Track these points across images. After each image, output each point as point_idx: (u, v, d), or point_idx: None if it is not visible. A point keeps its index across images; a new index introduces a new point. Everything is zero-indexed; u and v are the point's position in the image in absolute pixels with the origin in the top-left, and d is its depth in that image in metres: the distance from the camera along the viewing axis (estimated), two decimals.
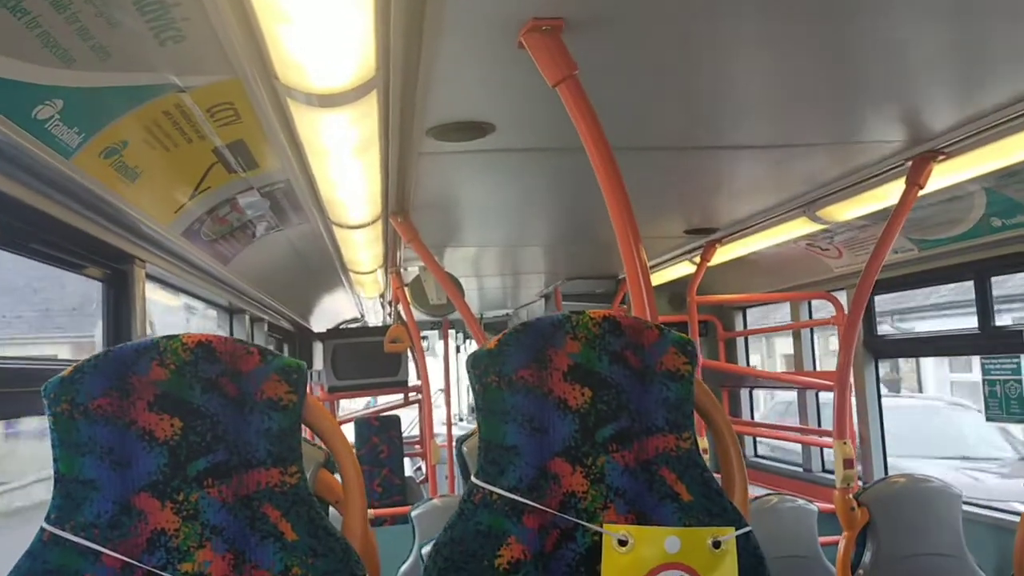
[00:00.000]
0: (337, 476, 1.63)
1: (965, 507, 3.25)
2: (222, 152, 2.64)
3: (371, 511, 4.99)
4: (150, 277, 3.02)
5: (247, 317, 5.11)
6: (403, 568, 3.45)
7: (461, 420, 11.38)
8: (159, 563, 1.36)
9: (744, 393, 6.74)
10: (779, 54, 2.20)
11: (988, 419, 3.96)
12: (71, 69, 1.75)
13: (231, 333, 5.06)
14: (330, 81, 1.99)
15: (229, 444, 1.40)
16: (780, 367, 11.04)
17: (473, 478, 1.46)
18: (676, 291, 6.50)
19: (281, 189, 3.29)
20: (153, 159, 2.38)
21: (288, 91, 2.03)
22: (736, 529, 1.45)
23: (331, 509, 1.79)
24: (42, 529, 1.35)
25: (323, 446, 1.62)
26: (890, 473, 4.51)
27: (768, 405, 9.53)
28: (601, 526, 1.43)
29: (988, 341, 3.96)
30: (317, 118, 2.21)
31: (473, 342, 8.66)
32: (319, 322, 8.50)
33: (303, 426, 1.46)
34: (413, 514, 3.40)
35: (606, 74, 2.21)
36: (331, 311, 8.60)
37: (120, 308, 2.82)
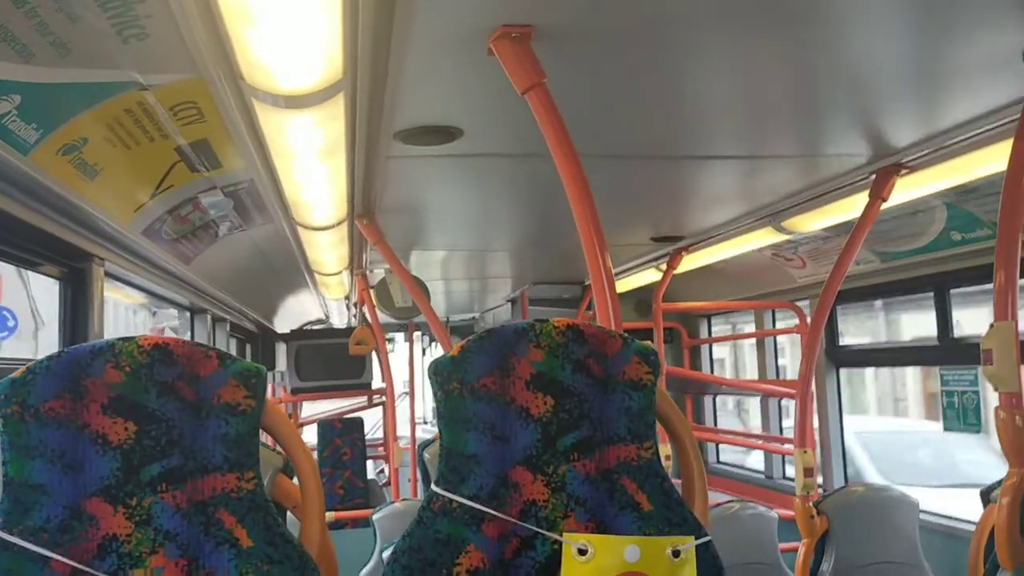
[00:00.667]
0: (295, 481, 1.61)
1: (922, 516, 3.29)
2: (185, 151, 2.60)
3: (333, 514, 4.96)
4: (109, 275, 2.98)
5: (209, 317, 5.05)
6: (364, 572, 3.43)
7: (425, 423, 11.34)
8: (110, 569, 1.33)
9: (708, 400, 6.79)
10: (747, 67, 2.22)
11: (946, 429, 4.02)
12: (30, 64, 1.72)
13: (192, 333, 5.00)
14: (296, 83, 1.97)
15: (184, 449, 1.37)
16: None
17: (433, 486, 1.45)
18: (642, 298, 6.53)
19: (245, 189, 3.25)
20: (114, 157, 2.34)
21: (253, 91, 2.00)
22: (696, 538, 1.45)
23: (289, 515, 1.77)
24: None
25: (282, 451, 1.60)
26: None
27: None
28: (561, 535, 1.42)
29: (947, 352, 4.02)
30: (283, 119, 2.18)
31: (439, 345, 8.64)
32: (283, 323, 8.42)
33: (261, 431, 1.44)
34: (375, 517, 3.38)
35: (575, 82, 2.21)
36: (295, 312, 8.53)
37: (77, 307, 2.78)
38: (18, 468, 1.33)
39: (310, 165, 2.66)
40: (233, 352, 5.31)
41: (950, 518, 4.01)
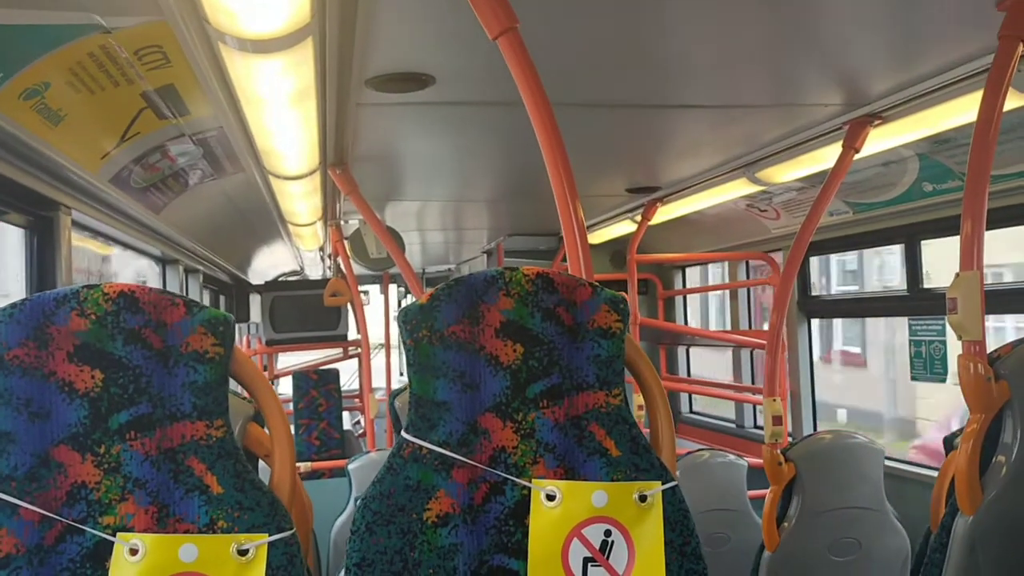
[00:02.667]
0: (266, 430, 1.61)
1: (887, 463, 3.36)
2: (151, 97, 2.55)
3: (309, 464, 4.99)
4: (77, 225, 2.93)
5: (181, 268, 5.00)
6: (339, 519, 3.46)
7: (402, 375, 11.38)
8: (79, 516, 1.33)
9: (681, 350, 6.85)
10: (722, 13, 2.20)
11: (913, 378, 4.09)
12: None
13: (164, 283, 4.96)
14: (262, 26, 1.93)
15: (152, 397, 1.37)
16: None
17: (403, 432, 1.46)
18: (617, 249, 6.55)
19: (215, 137, 3.20)
20: (78, 102, 2.29)
21: (219, 35, 1.96)
22: (663, 483, 1.47)
23: (262, 463, 1.77)
24: None
25: (251, 399, 1.60)
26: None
27: None
28: (530, 481, 1.44)
29: (917, 303, 4.08)
30: (250, 64, 2.14)
31: (414, 297, 8.64)
32: (257, 274, 8.37)
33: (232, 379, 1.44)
34: (350, 467, 3.41)
35: (548, 28, 2.18)
36: (270, 263, 8.48)
37: (44, 257, 2.74)
38: None
39: (280, 112, 2.62)
40: (207, 303, 5.28)
41: (914, 464, 4.10)
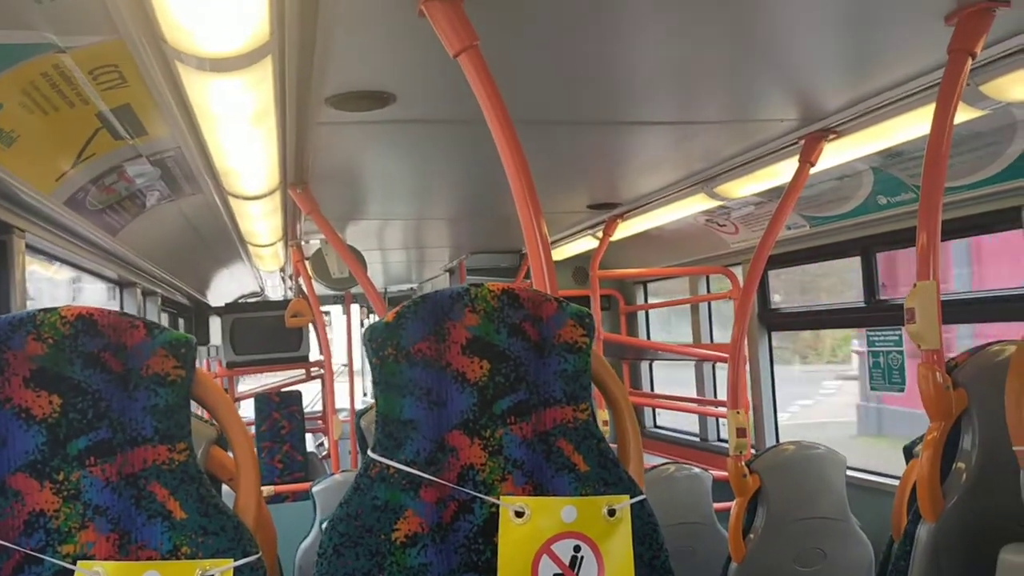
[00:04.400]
0: (230, 453, 1.59)
1: (849, 473, 3.40)
2: (107, 117, 2.51)
3: (272, 487, 4.92)
4: (31, 248, 2.87)
5: (138, 291, 4.92)
6: (304, 544, 3.42)
7: (365, 395, 11.30)
8: (38, 545, 1.30)
9: (644, 365, 6.89)
10: (679, 30, 2.23)
11: (872, 388, 4.15)
12: None
13: (121, 307, 4.88)
14: (221, 45, 1.91)
15: (113, 421, 1.34)
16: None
17: (370, 452, 1.44)
18: (580, 265, 6.57)
19: (172, 158, 3.16)
20: (31, 123, 2.25)
21: (177, 54, 1.94)
22: (631, 497, 1.47)
23: (225, 487, 1.74)
24: None
25: (214, 422, 1.57)
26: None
27: None
28: (499, 498, 1.43)
29: (873, 314, 4.14)
30: (208, 84, 2.12)
31: (376, 316, 8.59)
32: (217, 296, 8.26)
33: (193, 403, 1.41)
34: (314, 490, 3.36)
35: (508, 46, 2.19)
36: (230, 285, 8.37)
37: None
38: None
39: (239, 132, 2.60)
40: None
41: (875, 474, 4.15)
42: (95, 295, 4.73)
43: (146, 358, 1.36)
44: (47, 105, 2.24)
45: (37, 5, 1.78)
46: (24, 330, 1.33)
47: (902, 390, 3.99)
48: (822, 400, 10.66)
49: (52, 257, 3.46)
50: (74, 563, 1.30)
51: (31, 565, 1.29)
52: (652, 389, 6.94)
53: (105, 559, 1.31)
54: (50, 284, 4.17)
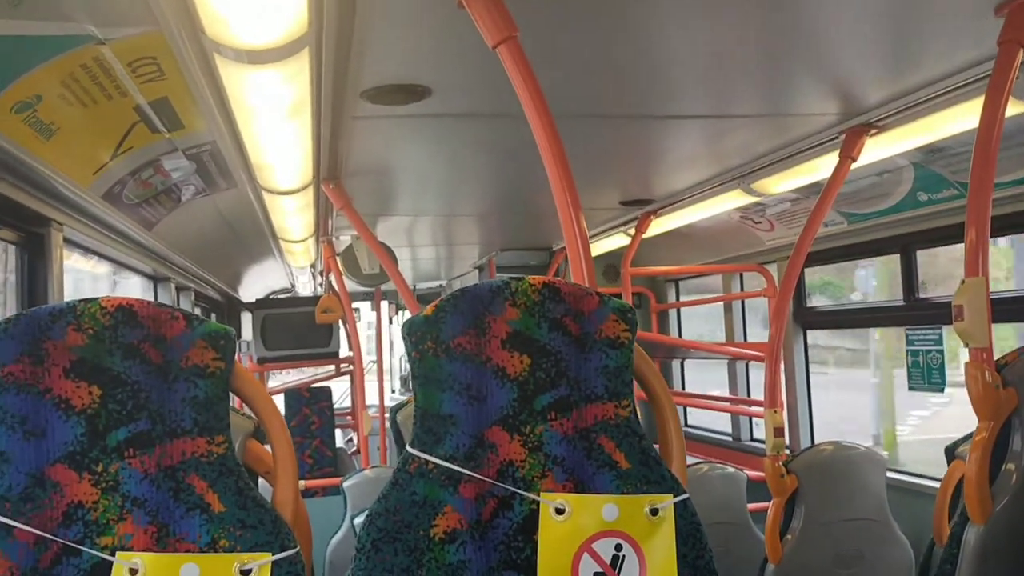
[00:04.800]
0: (267, 446, 1.58)
1: (889, 474, 3.35)
2: (145, 110, 2.52)
3: (303, 482, 4.93)
4: (68, 242, 2.89)
5: (173, 285, 4.96)
6: (334, 539, 3.42)
7: (393, 392, 11.33)
8: (76, 537, 1.30)
9: (676, 364, 6.84)
10: (717, 24, 2.20)
11: (910, 388, 4.08)
12: None
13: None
14: (259, 37, 1.91)
15: (152, 413, 1.33)
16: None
17: (408, 447, 1.43)
18: (611, 263, 6.54)
19: (208, 152, 3.17)
20: (70, 116, 2.26)
21: (215, 46, 1.93)
22: (674, 496, 1.44)
23: (260, 480, 1.73)
24: None
25: (252, 415, 1.56)
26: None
27: None
28: (539, 495, 1.41)
29: (913, 313, 4.07)
30: (245, 76, 2.12)
31: (407, 312, 8.60)
32: (248, 292, 8.32)
33: (231, 395, 1.41)
34: (345, 485, 3.37)
35: (547, 38, 2.17)
36: (261, 281, 8.43)
37: (36, 274, 2.70)
38: None
39: (274, 125, 2.60)
40: None
41: (916, 475, 4.08)
42: (133, 291, 4.77)
43: (185, 349, 1.35)
44: (86, 97, 2.24)
45: None
46: (64, 320, 1.33)
47: (942, 390, 3.92)
48: (939, 410, 9.97)
49: (89, 251, 3.49)
50: (112, 555, 1.30)
51: (69, 556, 1.29)
52: (684, 388, 6.89)
53: (143, 551, 1.31)
54: (89, 279, 4.22)
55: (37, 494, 1.29)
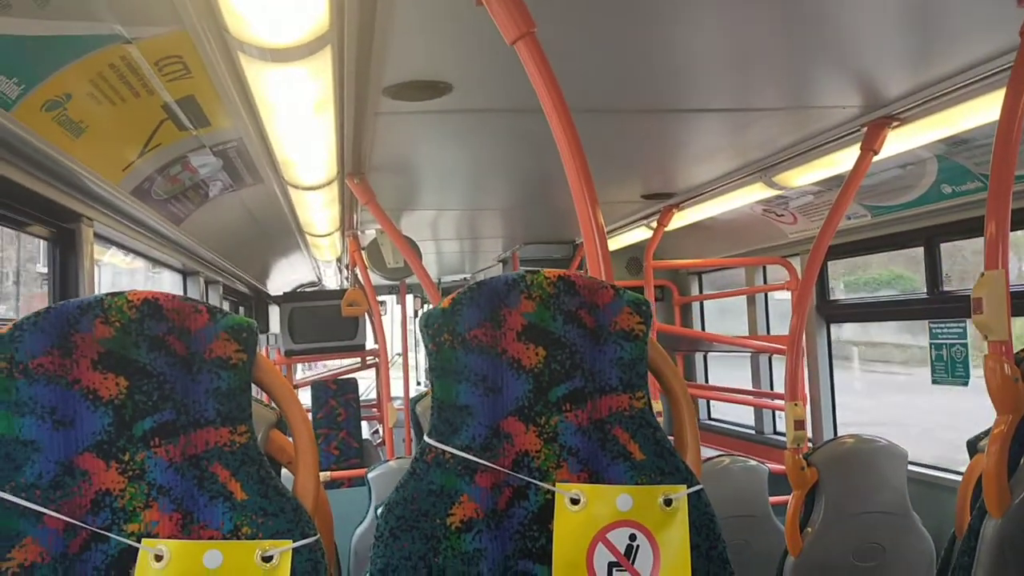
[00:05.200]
0: (289, 437, 1.61)
1: (910, 467, 3.33)
2: (172, 108, 2.57)
3: (328, 473, 4.99)
4: (99, 237, 2.95)
5: (201, 279, 5.03)
6: (360, 529, 3.46)
7: (419, 384, 11.39)
8: (104, 524, 1.33)
9: (699, 357, 6.82)
10: (738, 17, 2.20)
11: (934, 382, 4.05)
12: (8, 16, 1.68)
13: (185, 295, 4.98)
14: (282, 35, 1.94)
15: (177, 403, 1.37)
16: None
17: (426, 437, 1.45)
18: (633, 256, 6.54)
19: (234, 148, 3.22)
20: (99, 114, 2.31)
21: (239, 45, 1.97)
22: (688, 487, 1.46)
23: (284, 471, 1.77)
24: None
25: (274, 406, 1.60)
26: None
27: None
28: (554, 485, 1.43)
29: (937, 306, 4.04)
30: (269, 74, 2.15)
31: (431, 306, 8.64)
32: (276, 286, 8.41)
33: (254, 387, 1.44)
34: (370, 476, 3.41)
35: (565, 33, 2.19)
36: (288, 275, 8.51)
37: (67, 268, 2.76)
38: (8, 425, 1.33)
39: (299, 122, 2.64)
40: None
41: (937, 468, 4.06)
42: (164, 286, 4.85)
43: (209, 342, 1.39)
44: (114, 96, 2.29)
45: None
46: (92, 314, 1.36)
47: (966, 383, 3.90)
48: None
49: (119, 245, 3.55)
50: (138, 541, 1.33)
51: (97, 543, 1.33)
52: (707, 381, 6.88)
53: (168, 538, 1.34)
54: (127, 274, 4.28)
55: (66, 482, 1.33)
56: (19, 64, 1.83)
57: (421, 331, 1.48)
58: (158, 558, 1.33)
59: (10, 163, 2.17)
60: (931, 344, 4.05)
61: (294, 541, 1.37)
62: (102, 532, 1.33)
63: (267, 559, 1.35)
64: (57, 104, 2.09)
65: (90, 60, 2.06)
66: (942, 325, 3.99)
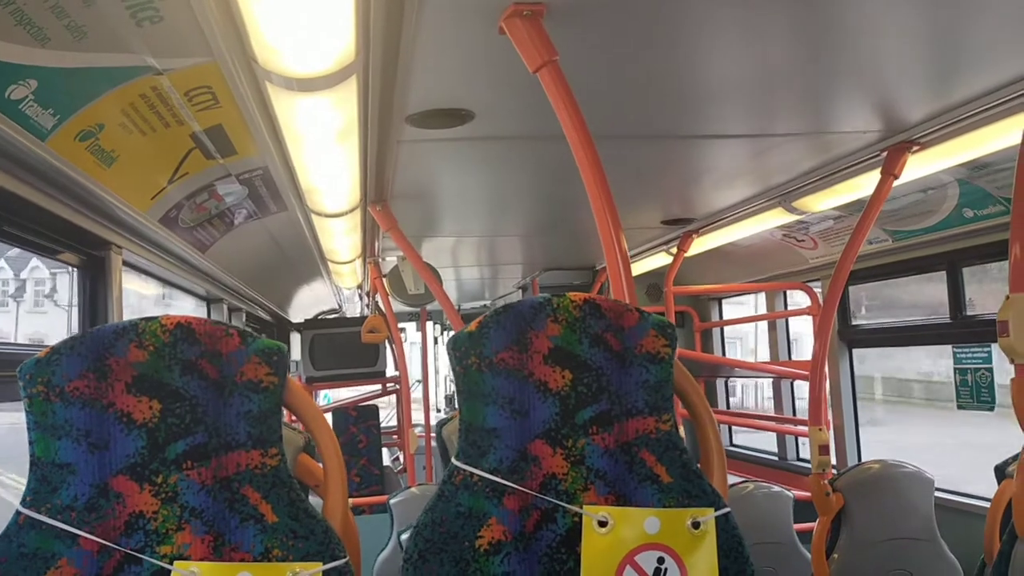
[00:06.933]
0: (317, 461, 1.63)
1: (937, 493, 3.29)
2: (200, 137, 2.62)
3: (349, 500, 4.98)
4: (127, 264, 2.99)
5: (225, 306, 5.08)
6: (382, 556, 3.46)
7: (439, 411, 11.37)
8: (137, 546, 1.35)
9: (720, 383, 6.79)
10: (757, 43, 2.21)
11: (959, 407, 4.01)
12: (45, 48, 1.73)
13: None
14: (309, 65, 1.98)
15: (208, 426, 1.39)
16: None
17: (454, 460, 1.46)
18: (653, 282, 6.53)
19: (260, 176, 3.27)
20: (130, 143, 2.36)
21: (267, 75, 2.01)
22: (715, 510, 1.46)
23: (312, 495, 1.78)
24: (17, 512, 1.33)
25: (303, 430, 1.61)
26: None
27: None
28: (581, 507, 1.43)
29: (960, 331, 4.02)
30: (296, 103, 2.19)
31: (451, 333, 8.65)
32: (297, 313, 8.45)
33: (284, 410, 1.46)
34: (391, 502, 3.41)
35: (586, 61, 2.21)
36: (309, 302, 8.56)
37: (96, 295, 2.79)
38: (45, 447, 1.35)
39: (323, 150, 2.68)
40: None
41: (965, 495, 4.01)
42: (184, 311, 4.89)
43: (240, 365, 1.41)
44: (145, 125, 2.34)
45: (138, 29, 1.87)
46: (127, 338, 1.39)
47: (991, 408, 3.86)
48: None
49: (146, 273, 3.60)
50: (171, 563, 1.35)
51: (130, 565, 1.34)
52: (728, 407, 6.83)
53: (200, 560, 1.35)
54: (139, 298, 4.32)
55: (101, 504, 1.35)
56: (55, 95, 1.88)
57: (448, 354, 1.50)
58: None
59: (43, 191, 2.22)
60: (955, 369, 4.02)
61: (324, 563, 1.38)
62: (136, 554, 1.34)
63: None
64: (90, 134, 2.13)
65: (122, 91, 2.11)
66: (966, 349, 3.96)
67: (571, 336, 1.48)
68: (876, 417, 13.71)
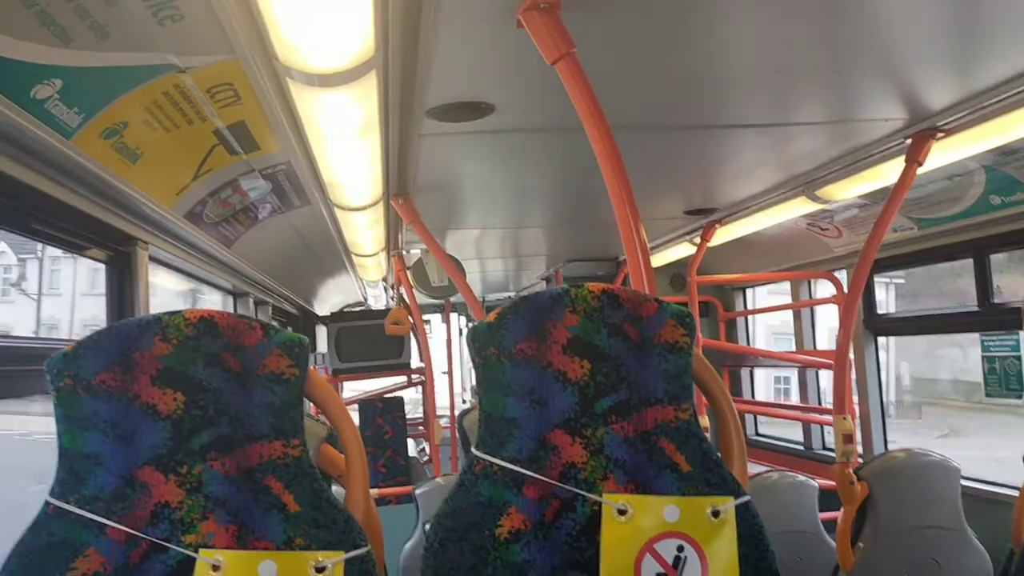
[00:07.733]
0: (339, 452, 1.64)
1: (964, 482, 3.27)
2: (223, 134, 2.65)
3: (376, 491, 5.02)
4: (153, 260, 3.04)
5: (251, 300, 5.13)
6: (407, 545, 3.49)
7: (464, 403, 11.41)
8: (163, 535, 1.37)
9: (744, 372, 6.76)
10: (778, 31, 2.20)
11: (987, 395, 3.98)
12: (69, 48, 1.75)
13: None
14: (329, 61, 2.00)
15: (232, 417, 1.41)
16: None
17: (474, 449, 1.48)
18: (677, 272, 6.51)
19: (283, 171, 3.30)
20: (154, 140, 2.39)
21: (288, 71, 2.03)
22: (735, 498, 1.46)
23: (334, 485, 1.80)
24: (46, 502, 1.36)
25: (326, 421, 1.63)
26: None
27: None
28: (601, 496, 1.44)
29: (987, 319, 3.97)
30: (317, 98, 2.21)
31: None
32: (323, 306, 8.51)
33: (306, 401, 1.48)
34: (417, 492, 3.43)
35: (605, 52, 2.21)
36: (334, 295, 8.62)
37: (123, 290, 2.84)
38: (72, 439, 1.38)
39: (345, 144, 2.70)
40: None
41: (992, 483, 3.97)
42: (212, 306, 4.95)
43: (263, 358, 1.43)
44: (168, 123, 2.37)
45: (159, 28, 1.89)
46: (151, 331, 1.42)
47: (1020, 396, 3.82)
48: None
49: (172, 268, 3.64)
50: (196, 552, 1.37)
51: (157, 553, 1.37)
52: (753, 396, 6.81)
53: (224, 548, 1.38)
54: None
55: (127, 494, 1.38)
56: (80, 94, 1.91)
57: (468, 345, 1.51)
58: (215, 568, 1.37)
59: (69, 188, 2.25)
60: (983, 357, 3.98)
61: (346, 552, 1.40)
62: (162, 543, 1.37)
63: (320, 570, 1.38)
64: (115, 132, 2.16)
65: (146, 89, 2.14)
66: (994, 337, 3.92)
67: (589, 326, 1.49)
68: (956, 425, 13.00)
